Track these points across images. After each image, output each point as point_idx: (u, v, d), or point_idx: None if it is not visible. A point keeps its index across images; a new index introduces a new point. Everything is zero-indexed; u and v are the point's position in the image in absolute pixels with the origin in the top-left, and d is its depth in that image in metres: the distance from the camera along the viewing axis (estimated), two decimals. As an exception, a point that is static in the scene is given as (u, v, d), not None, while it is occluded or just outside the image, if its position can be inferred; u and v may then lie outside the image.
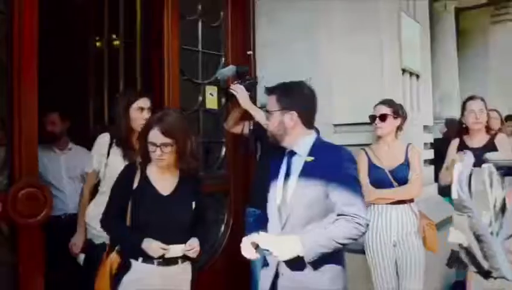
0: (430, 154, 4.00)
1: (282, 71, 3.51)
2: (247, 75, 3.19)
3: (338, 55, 3.47)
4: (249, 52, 3.70)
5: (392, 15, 3.54)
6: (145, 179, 2.21)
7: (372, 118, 2.97)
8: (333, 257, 1.90)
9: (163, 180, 2.24)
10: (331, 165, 1.92)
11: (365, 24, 3.41)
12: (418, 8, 3.96)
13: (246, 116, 3.15)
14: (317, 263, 1.87)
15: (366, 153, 2.97)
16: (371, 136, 3.24)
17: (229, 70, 3.18)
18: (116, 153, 2.64)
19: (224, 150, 3.56)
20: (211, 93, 3.50)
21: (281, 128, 2.01)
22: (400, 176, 2.86)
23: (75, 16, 4.64)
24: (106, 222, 2.26)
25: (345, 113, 3.42)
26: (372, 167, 2.92)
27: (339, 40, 3.48)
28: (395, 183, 2.85)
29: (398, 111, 2.97)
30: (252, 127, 3.18)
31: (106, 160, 2.66)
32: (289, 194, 1.96)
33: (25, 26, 2.36)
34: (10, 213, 2.23)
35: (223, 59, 3.61)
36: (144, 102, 2.69)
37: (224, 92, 3.18)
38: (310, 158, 1.97)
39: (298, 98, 2.04)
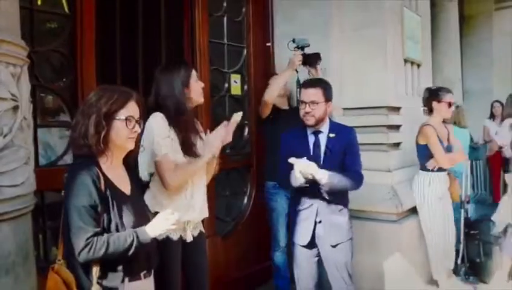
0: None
1: (298, 62, 3.95)
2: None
3: (348, 47, 3.88)
4: (268, 44, 4.15)
5: (395, 10, 3.93)
6: (107, 179, 1.78)
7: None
8: (346, 205, 2.79)
9: (119, 176, 1.87)
10: (345, 138, 2.74)
11: (372, 19, 3.79)
12: (419, 3, 4.36)
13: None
14: (341, 209, 2.74)
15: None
16: (375, 118, 3.72)
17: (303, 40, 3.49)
18: (174, 138, 2.35)
19: (247, 130, 4.02)
20: (235, 81, 3.94)
21: (324, 115, 2.71)
22: None
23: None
24: (91, 244, 1.65)
25: (353, 98, 3.85)
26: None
27: (349, 34, 3.89)
28: None
29: None
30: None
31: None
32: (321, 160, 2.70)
33: (85, 27, 2.82)
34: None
35: (245, 50, 4.04)
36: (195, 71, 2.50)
37: (306, 56, 3.43)
38: (333, 134, 2.71)
39: (332, 92, 2.80)
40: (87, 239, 1.65)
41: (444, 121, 3.82)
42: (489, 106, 7.28)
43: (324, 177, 2.53)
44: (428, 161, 3.67)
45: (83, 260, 1.67)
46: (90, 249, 1.65)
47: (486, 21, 8.71)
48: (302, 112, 2.73)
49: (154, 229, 1.79)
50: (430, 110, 3.77)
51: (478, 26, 8.69)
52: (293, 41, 3.47)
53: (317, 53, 3.43)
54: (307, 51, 3.46)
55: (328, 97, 2.73)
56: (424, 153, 3.68)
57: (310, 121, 2.71)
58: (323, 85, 2.75)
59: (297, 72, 3.47)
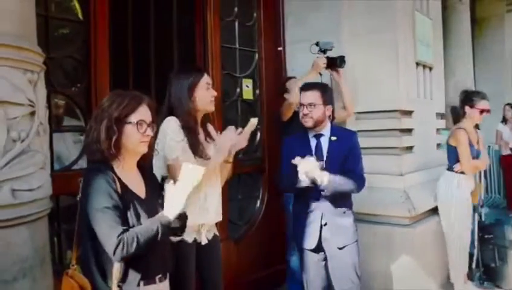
0: (440, 138, 4.41)
1: (310, 66, 3.96)
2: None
3: (359, 51, 3.86)
4: (279, 49, 4.17)
5: (407, 14, 3.92)
6: (122, 182, 1.79)
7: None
8: (350, 208, 2.80)
9: (133, 180, 1.87)
10: (347, 142, 2.77)
11: (383, 23, 3.78)
12: (431, 6, 4.34)
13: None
14: (345, 211, 2.76)
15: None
16: (388, 122, 3.70)
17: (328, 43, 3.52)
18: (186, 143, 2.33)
19: (259, 135, 4.02)
20: (247, 85, 3.96)
21: (322, 117, 2.73)
22: None
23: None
24: (123, 240, 1.66)
25: (366, 102, 3.83)
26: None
27: (360, 37, 3.88)
28: None
29: None
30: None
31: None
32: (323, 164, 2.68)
33: (99, 33, 2.87)
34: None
35: (257, 55, 4.05)
36: (208, 78, 2.47)
37: (331, 59, 3.46)
38: (334, 138, 2.74)
39: (331, 95, 2.81)
40: (118, 237, 1.66)
41: (476, 126, 3.86)
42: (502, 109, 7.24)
43: (324, 179, 2.54)
44: (456, 163, 3.71)
45: (119, 258, 1.68)
46: (123, 246, 1.66)
47: (498, 23, 8.68)
48: (300, 114, 2.78)
49: (177, 200, 1.76)
50: (463, 113, 3.79)
51: (490, 29, 8.66)
52: (317, 44, 3.49)
53: (342, 56, 3.44)
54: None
55: (326, 100, 2.77)
56: (454, 156, 3.72)
57: (308, 122, 2.75)
58: (321, 88, 2.81)
59: (320, 75, 3.47)
